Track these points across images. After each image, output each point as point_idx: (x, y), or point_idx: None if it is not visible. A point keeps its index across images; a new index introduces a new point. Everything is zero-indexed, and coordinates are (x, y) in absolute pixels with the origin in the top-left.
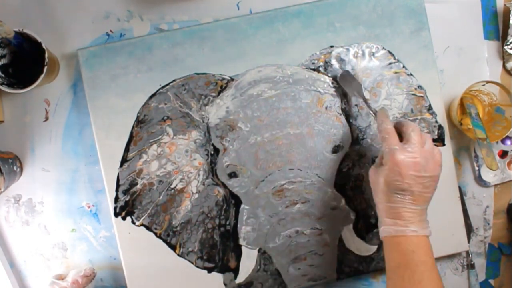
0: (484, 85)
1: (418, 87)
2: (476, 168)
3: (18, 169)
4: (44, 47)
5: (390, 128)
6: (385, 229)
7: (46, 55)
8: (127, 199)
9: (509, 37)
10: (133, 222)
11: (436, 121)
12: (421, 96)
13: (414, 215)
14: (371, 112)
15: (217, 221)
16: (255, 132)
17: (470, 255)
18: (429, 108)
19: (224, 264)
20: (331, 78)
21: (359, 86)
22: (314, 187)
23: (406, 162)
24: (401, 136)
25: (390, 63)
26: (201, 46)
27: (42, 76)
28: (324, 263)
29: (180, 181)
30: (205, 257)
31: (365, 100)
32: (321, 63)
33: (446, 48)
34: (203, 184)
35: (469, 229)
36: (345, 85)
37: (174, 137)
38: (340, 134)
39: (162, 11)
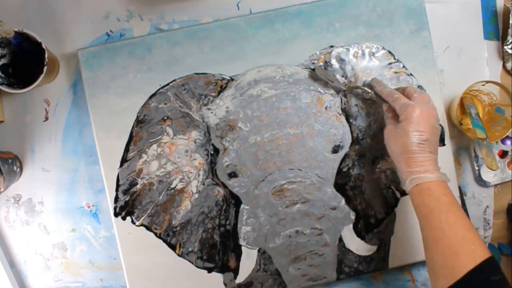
0: (484, 85)
1: (418, 87)
2: (476, 168)
3: (18, 169)
4: (44, 47)
5: (394, 90)
6: (413, 179)
7: (46, 55)
8: (127, 199)
9: (509, 37)
10: (133, 222)
11: None
12: None
13: (434, 163)
14: (361, 89)
15: (217, 221)
16: (255, 132)
17: None
18: None
19: (224, 264)
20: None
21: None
22: (314, 187)
23: (425, 114)
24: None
25: (390, 63)
26: (201, 46)
27: (42, 76)
28: (324, 263)
29: (180, 181)
30: (205, 257)
31: (349, 84)
32: (321, 63)
33: (446, 48)
34: (203, 184)
35: None
36: (322, 75)
37: (174, 137)
38: (340, 134)
39: (162, 11)
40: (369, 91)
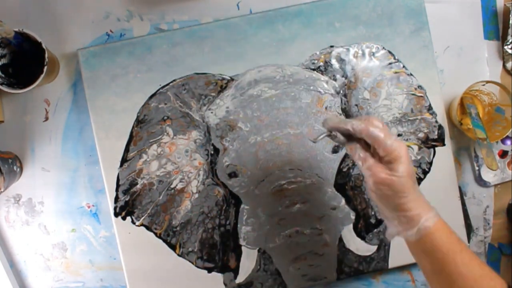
0: (484, 85)
1: (418, 87)
2: (476, 168)
3: (18, 169)
4: (44, 47)
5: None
6: (421, 226)
7: (46, 55)
8: (127, 199)
9: (509, 37)
10: (133, 222)
11: (436, 121)
12: (421, 96)
13: (425, 200)
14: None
15: (217, 221)
16: (255, 132)
17: None
18: (429, 108)
19: (224, 264)
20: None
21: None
22: (314, 187)
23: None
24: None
25: (390, 63)
26: (201, 46)
27: (42, 76)
28: (324, 263)
29: (180, 181)
30: (205, 257)
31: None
32: (321, 63)
33: (446, 48)
34: (203, 184)
35: (469, 229)
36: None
37: (174, 137)
38: None
39: (162, 11)
40: (334, 133)
